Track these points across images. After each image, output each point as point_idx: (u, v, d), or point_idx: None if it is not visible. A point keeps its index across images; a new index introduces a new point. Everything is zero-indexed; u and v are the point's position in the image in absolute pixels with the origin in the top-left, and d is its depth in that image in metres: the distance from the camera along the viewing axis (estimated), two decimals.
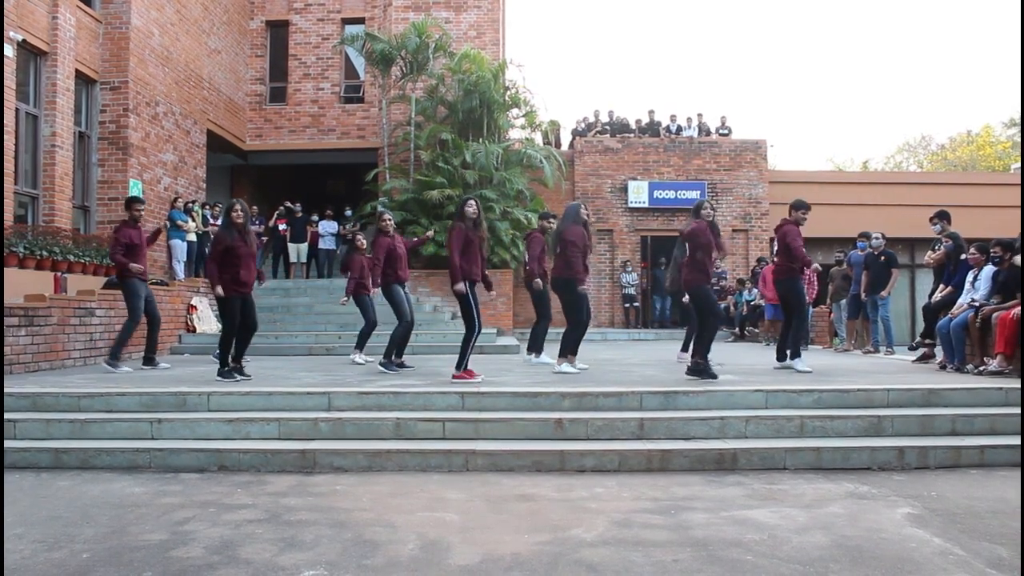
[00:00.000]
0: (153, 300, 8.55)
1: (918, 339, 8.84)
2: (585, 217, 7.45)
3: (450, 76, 15.81)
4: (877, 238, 10.18)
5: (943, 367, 7.66)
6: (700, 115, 18.61)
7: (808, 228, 7.87)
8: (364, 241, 9.11)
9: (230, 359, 7.06)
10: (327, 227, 16.19)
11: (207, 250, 13.35)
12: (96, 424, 5.44)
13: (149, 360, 8.45)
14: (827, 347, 12.31)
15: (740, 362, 8.96)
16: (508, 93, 16.17)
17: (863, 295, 10.34)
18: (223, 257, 6.98)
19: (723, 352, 10.66)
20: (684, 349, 9.34)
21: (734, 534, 3.62)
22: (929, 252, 9.30)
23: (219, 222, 14.07)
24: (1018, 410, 5.46)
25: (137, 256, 8.12)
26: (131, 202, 8.42)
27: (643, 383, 6.34)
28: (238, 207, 7.07)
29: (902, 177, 25.17)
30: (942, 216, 9.04)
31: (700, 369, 6.59)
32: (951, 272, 8.37)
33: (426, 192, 14.83)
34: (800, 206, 7.63)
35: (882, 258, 10.04)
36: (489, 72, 15.29)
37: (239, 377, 6.82)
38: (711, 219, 6.95)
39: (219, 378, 6.79)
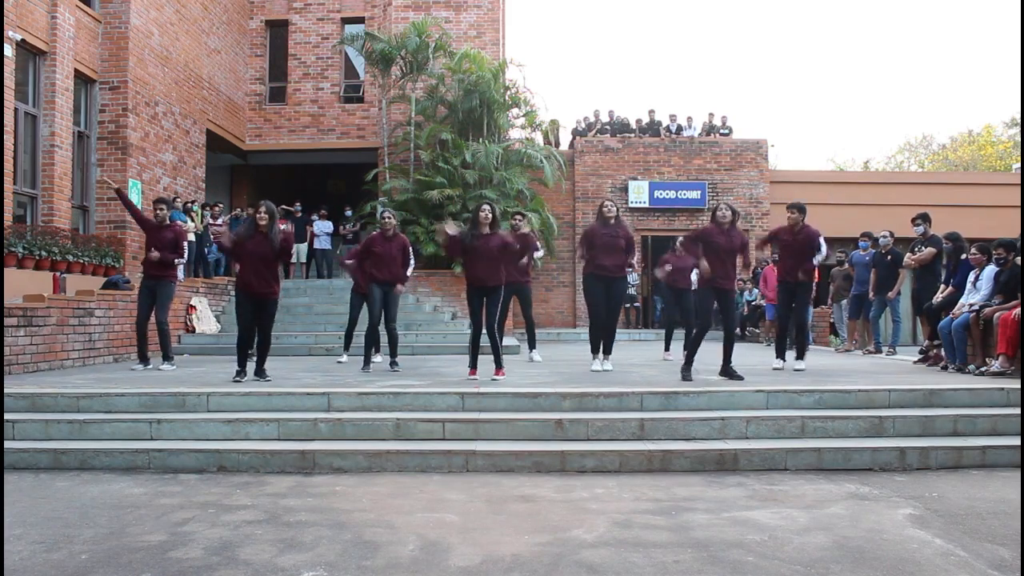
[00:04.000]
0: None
1: (926, 343, 8.78)
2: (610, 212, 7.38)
3: (450, 76, 15.79)
4: (885, 237, 10.12)
5: (944, 368, 7.66)
6: (711, 114, 18.60)
7: None
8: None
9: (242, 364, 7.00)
10: (322, 227, 16.22)
11: (206, 250, 13.40)
12: (95, 425, 5.43)
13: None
14: (826, 347, 12.30)
15: (741, 362, 8.89)
16: (508, 93, 16.14)
17: (871, 295, 10.30)
18: (234, 254, 7.08)
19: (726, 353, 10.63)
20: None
21: (735, 535, 3.61)
22: (908, 254, 9.34)
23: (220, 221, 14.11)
24: (1019, 411, 5.45)
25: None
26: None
27: (644, 384, 6.33)
28: (263, 209, 6.99)
29: (903, 177, 25.15)
30: (925, 219, 9.15)
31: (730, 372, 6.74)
32: (951, 272, 8.37)
33: (426, 192, 14.81)
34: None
35: (889, 257, 10.01)
36: (489, 72, 15.27)
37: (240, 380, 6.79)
38: (723, 221, 6.93)
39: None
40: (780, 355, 7.84)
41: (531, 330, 9.33)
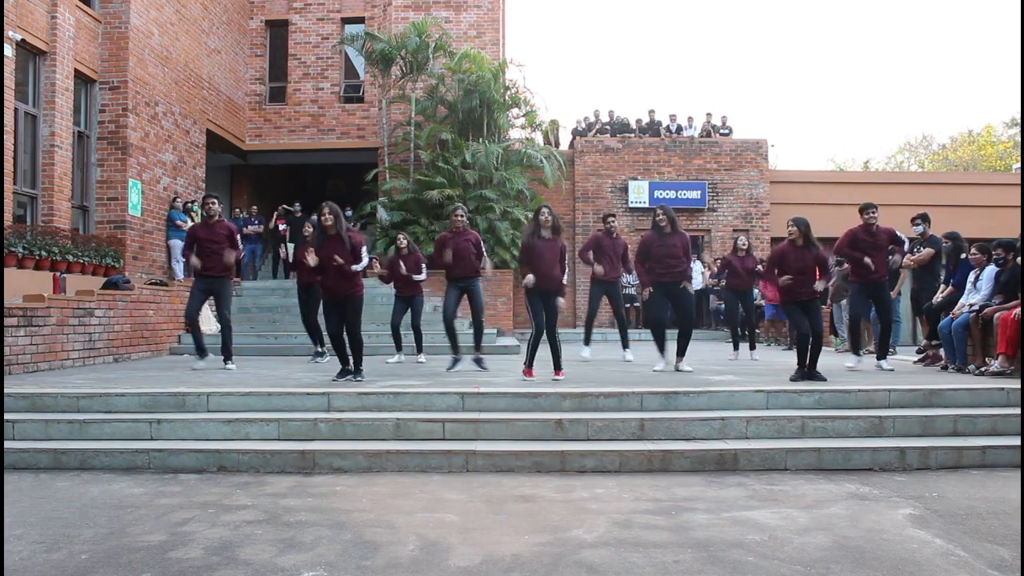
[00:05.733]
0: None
1: (924, 342, 8.81)
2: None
3: (450, 76, 15.80)
4: None
5: (944, 368, 7.66)
6: (709, 115, 18.58)
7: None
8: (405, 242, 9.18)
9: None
10: None
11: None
12: (95, 425, 5.43)
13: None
14: (827, 347, 12.28)
15: (744, 363, 8.96)
16: (508, 93, 16.15)
17: None
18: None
19: (725, 352, 10.66)
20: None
21: (735, 535, 3.61)
22: (907, 254, 9.33)
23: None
24: (1019, 411, 5.45)
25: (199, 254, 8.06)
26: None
27: (644, 383, 6.33)
28: (327, 211, 6.78)
29: (903, 177, 25.14)
30: (924, 219, 9.15)
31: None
32: (951, 272, 8.37)
33: (426, 192, 14.82)
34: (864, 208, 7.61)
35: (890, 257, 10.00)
36: (489, 72, 15.27)
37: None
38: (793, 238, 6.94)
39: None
40: (855, 351, 7.89)
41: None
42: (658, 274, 7.53)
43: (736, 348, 9.94)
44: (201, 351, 8.31)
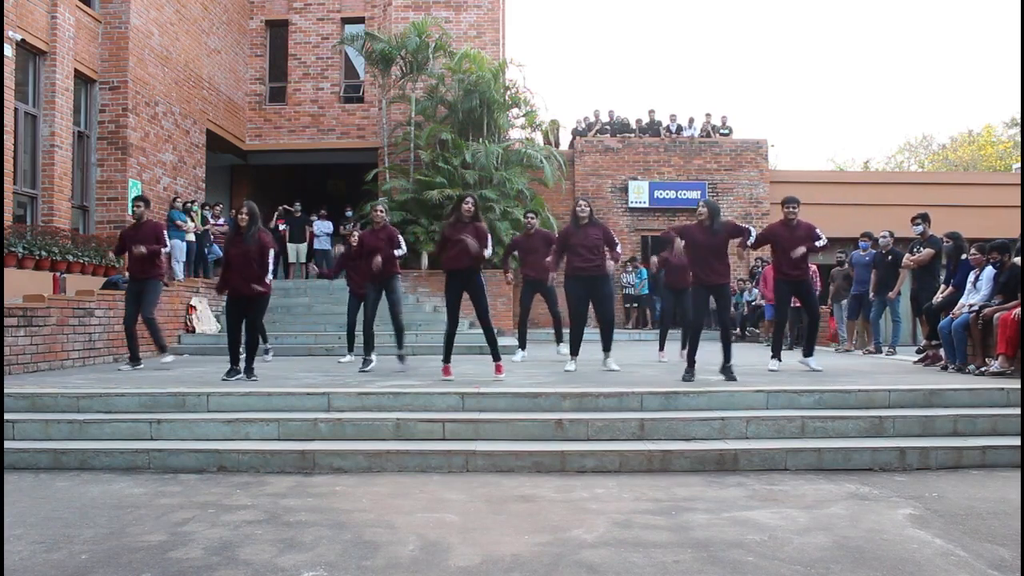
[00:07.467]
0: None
1: (924, 342, 8.81)
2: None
3: (450, 76, 15.81)
4: (884, 237, 10.11)
5: (944, 368, 7.66)
6: (708, 115, 18.59)
7: None
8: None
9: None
10: (322, 227, 16.24)
11: (206, 250, 13.43)
12: (95, 425, 5.43)
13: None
14: (827, 347, 12.29)
15: (741, 362, 8.92)
16: (508, 93, 16.16)
17: (872, 295, 10.29)
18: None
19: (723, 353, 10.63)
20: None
21: (735, 535, 3.60)
22: (907, 255, 9.33)
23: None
24: (1019, 411, 5.45)
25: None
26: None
27: (644, 383, 6.33)
28: (244, 210, 7.09)
29: (903, 177, 25.15)
30: (924, 219, 9.14)
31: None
32: (951, 272, 8.37)
33: (426, 192, 14.82)
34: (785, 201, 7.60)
35: (889, 257, 10.00)
36: (489, 72, 15.28)
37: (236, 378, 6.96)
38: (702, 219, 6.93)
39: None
40: (776, 354, 7.73)
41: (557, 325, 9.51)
42: (576, 267, 7.37)
43: (661, 348, 9.64)
44: (135, 359, 8.28)
